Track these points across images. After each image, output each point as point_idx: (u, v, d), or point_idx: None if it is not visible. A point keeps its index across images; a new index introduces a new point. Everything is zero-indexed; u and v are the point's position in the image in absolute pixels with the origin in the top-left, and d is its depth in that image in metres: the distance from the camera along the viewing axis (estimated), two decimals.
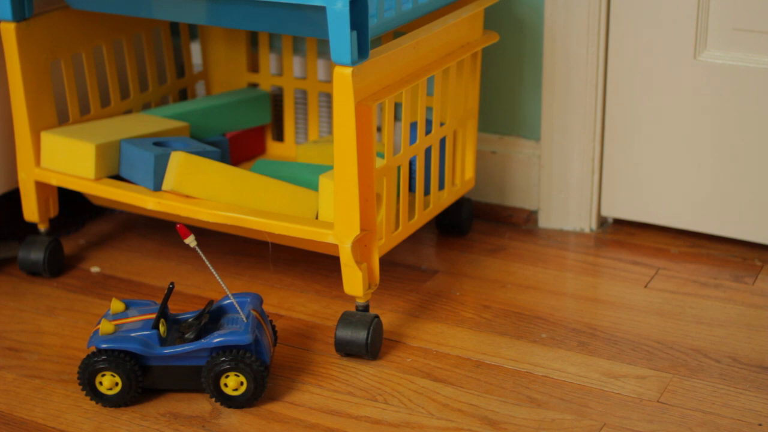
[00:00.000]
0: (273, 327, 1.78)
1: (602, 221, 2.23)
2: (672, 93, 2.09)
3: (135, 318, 1.70)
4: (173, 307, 1.93)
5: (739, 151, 2.07)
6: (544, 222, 2.25)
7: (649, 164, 2.15)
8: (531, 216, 2.26)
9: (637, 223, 2.23)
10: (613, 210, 2.21)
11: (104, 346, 1.65)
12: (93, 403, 1.70)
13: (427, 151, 1.97)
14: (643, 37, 2.08)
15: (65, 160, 1.97)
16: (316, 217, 1.90)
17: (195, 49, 2.38)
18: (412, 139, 1.92)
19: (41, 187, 2.03)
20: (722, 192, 2.10)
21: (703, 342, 1.84)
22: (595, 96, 2.13)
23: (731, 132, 2.06)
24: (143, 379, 1.67)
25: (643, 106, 2.12)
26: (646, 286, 2.02)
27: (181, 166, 1.87)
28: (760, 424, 1.65)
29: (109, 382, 1.66)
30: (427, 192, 2.00)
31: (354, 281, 1.78)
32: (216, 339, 1.65)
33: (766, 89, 2.01)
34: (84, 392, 1.69)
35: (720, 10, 2.01)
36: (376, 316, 1.80)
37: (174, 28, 2.36)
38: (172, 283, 1.69)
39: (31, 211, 2.04)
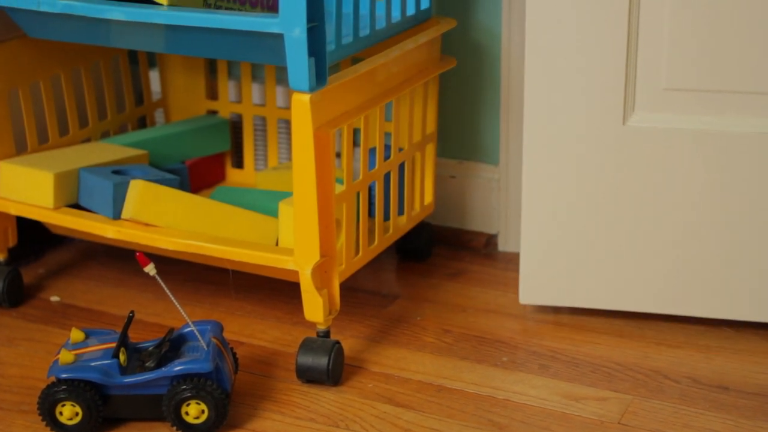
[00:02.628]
0: (234, 354, 1.78)
1: None
2: (600, 162, 1.88)
3: (95, 347, 1.70)
4: (133, 336, 1.92)
5: (678, 222, 1.89)
6: (504, 246, 2.26)
7: (575, 244, 1.93)
8: (491, 240, 2.27)
9: (566, 308, 2.02)
10: (532, 296, 1.98)
11: (64, 375, 1.65)
12: None
13: (387, 177, 1.98)
14: (563, 103, 1.86)
15: (24, 189, 1.96)
16: (276, 244, 1.90)
17: (154, 76, 2.38)
18: (371, 164, 1.92)
19: (0, 216, 2.02)
20: (663, 267, 1.91)
21: (662, 363, 1.85)
22: None
23: (671, 202, 1.88)
24: (104, 409, 1.67)
25: (566, 181, 1.90)
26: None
27: (141, 194, 1.87)
28: None
29: (69, 412, 1.65)
30: (386, 217, 2.00)
31: (314, 307, 1.78)
32: (177, 367, 1.64)
33: (700, 151, 1.84)
34: (44, 423, 1.67)
35: (648, 71, 1.83)
36: (337, 342, 1.80)
37: (132, 56, 2.36)
38: (132, 312, 1.69)
39: None
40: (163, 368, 1.65)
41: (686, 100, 1.83)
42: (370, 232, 1.96)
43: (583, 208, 1.91)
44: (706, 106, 1.83)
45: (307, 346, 1.80)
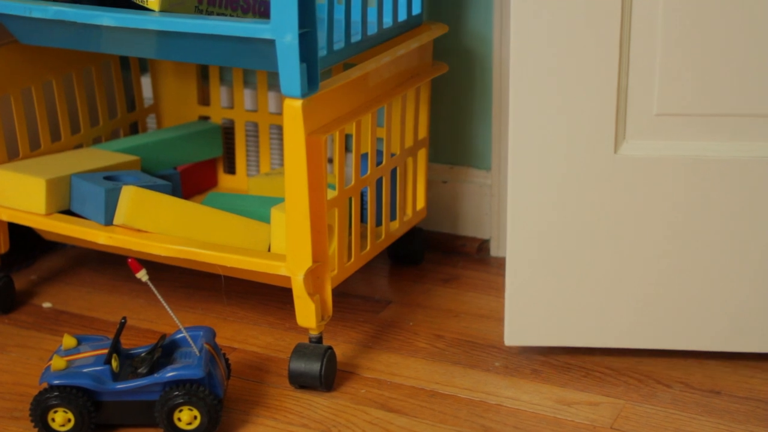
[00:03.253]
0: (226, 360, 1.78)
1: None
2: (591, 195, 1.78)
3: (87, 353, 1.69)
4: (126, 342, 1.93)
5: (671, 256, 1.80)
6: (496, 251, 2.26)
7: (565, 280, 1.83)
8: (483, 245, 2.27)
9: (549, 348, 1.91)
10: (518, 337, 1.86)
11: (56, 382, 1.64)
12: None
13: (379, 182, 1.98)
14: (551, 134, 1.76)
15: (16, 195, 1.96)
16: (269, 250, 1.90)
17: (145, 82, 2.38)
18: (363, 170, 1.92)
19: None
20: (659, 301, 1.83)
21: (655, 367, 1.86)
22: None
23: (666, 232, 1.79)
24: (96, 415, 1.66)
25: (554, 215, 1.80)
26: None
27: (132, 200, 1.87)
28: None
29: (61, 419, 1.65)
30: (379, 223, 2.00)
31: (307, 313, 1.78)
32: (169, 373, 1.64)
33: (695, 178, 1.76)
34: (36, 429, 1.67)
35: (639, 96, 1.74)
36: (330, 348, 1.80)
37: (124, 61, 2.36)
38: (124, 318, 1.69)
39: None
40: (155, 374, 1.65)
41: (679, 126, 1.75)
42: (363, 237, 1.96)
43: (572, 242, 1.81)
44: (700, 131, 1.76)
45: (299, 351, 1.80)
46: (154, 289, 1.69)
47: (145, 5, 1.75)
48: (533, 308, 1.85)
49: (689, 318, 1.83)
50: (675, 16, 1.71)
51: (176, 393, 1.64)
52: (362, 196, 2.00)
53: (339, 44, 1.78)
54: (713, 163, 1.76)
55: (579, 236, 1.80)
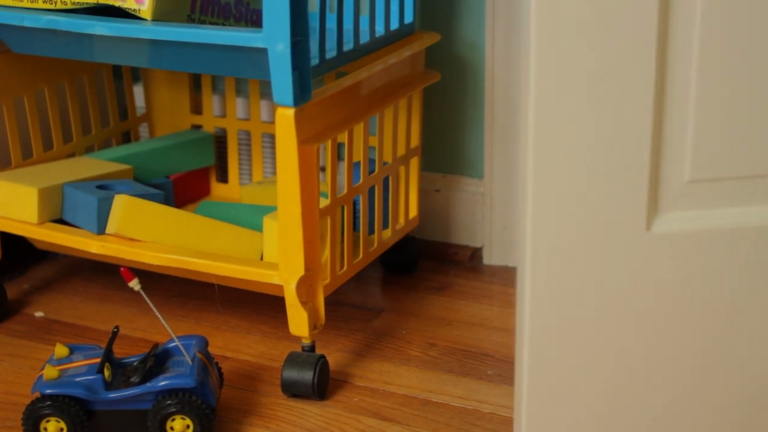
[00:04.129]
0: (219, 369, 1.78)
1: None
2: (620, 284, 1.46)
3: (79, 363, 1.69)
4: (118, 351, 1.92)
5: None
6: (489, 259, 2.26)
7: (588, 386, 1.49)
8: (476, 253, 2.27)
9: None
10: None
11: (48, 391, 1.64)
12: None
13: (371, 191, 1.98)
14: (575, 211, 1.42)
15: (8, 204, 1.96)
16: (261, 258, 1.90)
17: (138, 91, 2.38)
18: (356, 178, 1.93)
19: None
20: (700, 403, 1.51)
21: None
22: None
23: (705, 323, 1.48)
24: (89, 424, 1.66)
25: (577, 314, 1.46)
26: None
27: (125, 209, 1.87)
28: None
29: (54, 428, 1.65)
30: (371, 231, 2.00)
31: (299, 321, 1.78)
32: (161, 382, 1.64)
33: (737, 252, 1.45)
34: None
35: (671, 162, 1.42)
36: (323, 356, 1.80)
37: (116, 70, 2.36)
38: (116, 327, 1.69)
39: None
40: (147, 383, 1.65)
41: (715, 192, 1.45)
42: (355, 246, 1.96)
43: (596, 344, 1.49)
44: (739, 195, 1.46)
45: (292, 360, 1.80)
46: (146, 298, 1.69)
47: (138, 14, 1.75)
48: (552, 416, 1.51)
49: (743, 415, 1.53)
50: (710, 69, 1.41)
51: (169, 402, 1.64)
52: (354, 204, 2.00)
53: (331, 53, 1.78)
54: (757, 231, 1.47)
55: (604, 336, 1.49)
